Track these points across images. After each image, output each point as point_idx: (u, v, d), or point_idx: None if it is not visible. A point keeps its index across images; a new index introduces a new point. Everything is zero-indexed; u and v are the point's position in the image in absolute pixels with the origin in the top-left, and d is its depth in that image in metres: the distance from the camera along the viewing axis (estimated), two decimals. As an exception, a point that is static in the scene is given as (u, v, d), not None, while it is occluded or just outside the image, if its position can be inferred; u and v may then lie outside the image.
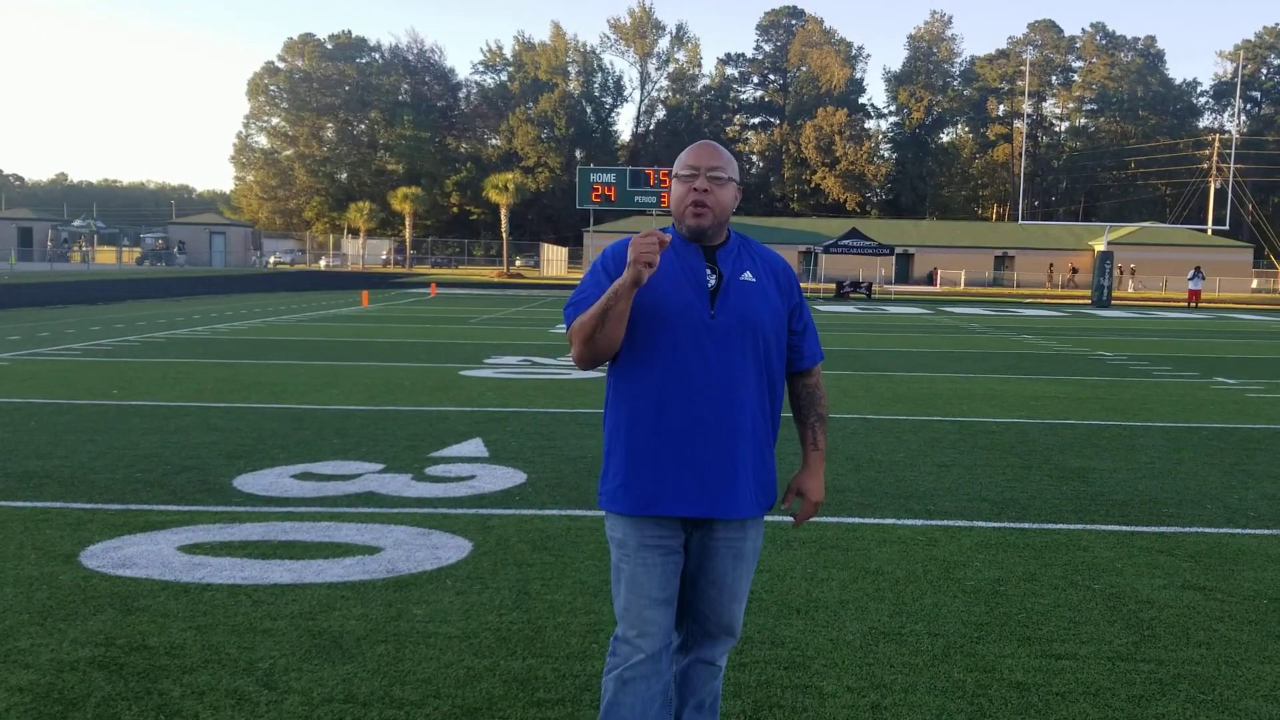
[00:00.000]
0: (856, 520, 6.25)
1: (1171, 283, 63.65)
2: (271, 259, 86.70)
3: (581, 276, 3.30)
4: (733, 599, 2.91)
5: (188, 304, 29.35)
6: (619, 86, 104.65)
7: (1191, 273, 46.02)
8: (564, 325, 2.99)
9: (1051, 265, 69.49)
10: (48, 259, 73.78)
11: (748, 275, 2.86)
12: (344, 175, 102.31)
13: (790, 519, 6.14)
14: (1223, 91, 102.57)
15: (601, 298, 2.69)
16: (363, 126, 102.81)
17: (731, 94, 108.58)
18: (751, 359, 2.82)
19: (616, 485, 2.82)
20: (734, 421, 2.79)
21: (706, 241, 2.85)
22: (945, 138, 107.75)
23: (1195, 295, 44.51)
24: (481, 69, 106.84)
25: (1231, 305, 47.83)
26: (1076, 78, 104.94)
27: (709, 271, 2.82)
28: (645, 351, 2.78)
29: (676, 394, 2.76)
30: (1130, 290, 63.50)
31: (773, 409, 2.93)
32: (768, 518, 6.13)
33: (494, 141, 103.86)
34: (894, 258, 56.78)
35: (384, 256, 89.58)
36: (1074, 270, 68.62)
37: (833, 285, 49.74)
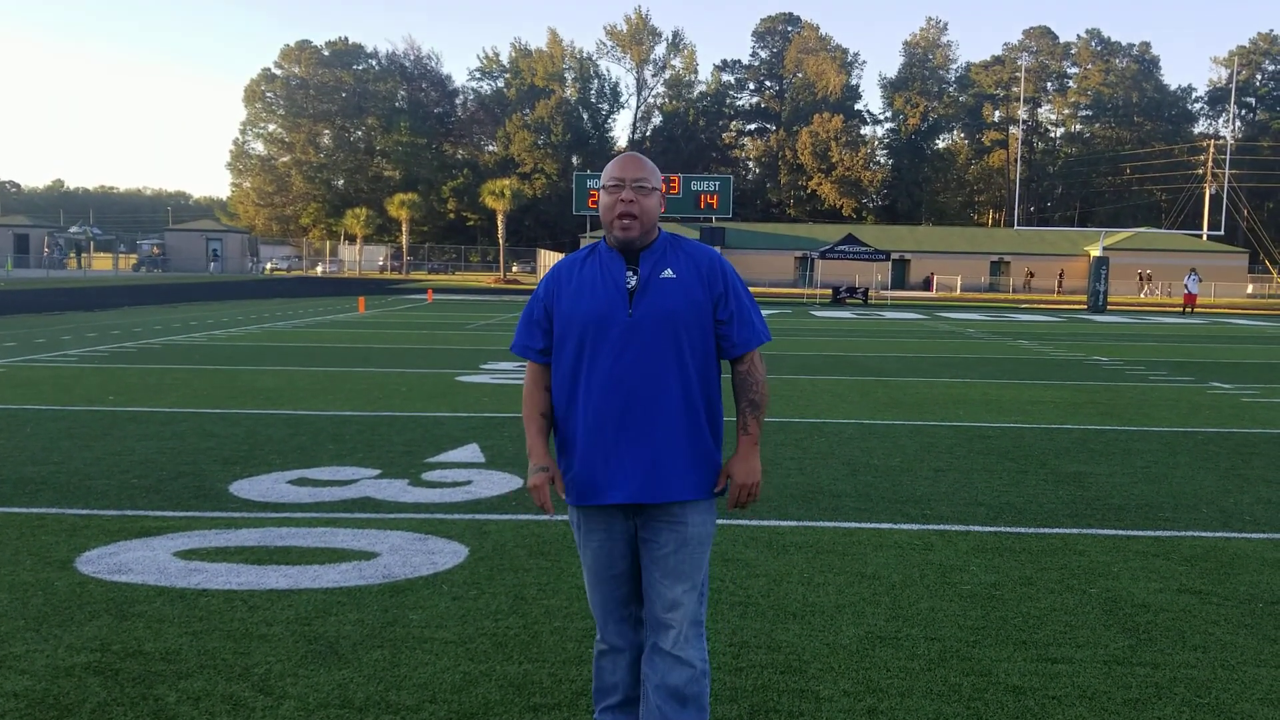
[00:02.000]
0: (853, 525, 6.25)
1: (1174, 288, 63.50)
2: (268, 265, 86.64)
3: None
4: (678, 580, 3.01)
5: (184, 310, 29.33)
6: (615, 93, 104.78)
7: (1188, 275, 45.17)
8: (510, 351, 3.19)
9: (1062, 271, 69.55)
10: (44, 266, 73.70)
11: (668, 273, 3.03)
12: (341, 181, 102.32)
13: (791, 520, 6.16)
14: (1217, 97, 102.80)
15: (529, 440, 3.11)
16: (359, 133, 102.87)
17: (728, 100, 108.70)
18: (673, 352, 2.99)
19: (567, 479, 3.08)
20: (658, 412, 2.98)
21: (633, 247, 3.05)
22: (941, 144, 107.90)
23: (1191, 299, 43.66)
24: (478, 75, 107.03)
25: (1227, 310, 47.89)
26: (1072, 84, 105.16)
27: (630, 274, 3.02)
28: (572, 356, 3.03)
29: (602, 391, 2.98)
30: (1145, 296, 63.19)
31: (705, 396, 3.07)
32: (758, 521, 6.15)
33: (491, 148, 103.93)
34: (890, 263, 56.82)
35: (380, 263, 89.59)
36: (1031, 274, 69.10)
37: (829, 290, 49.77)
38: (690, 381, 3.01)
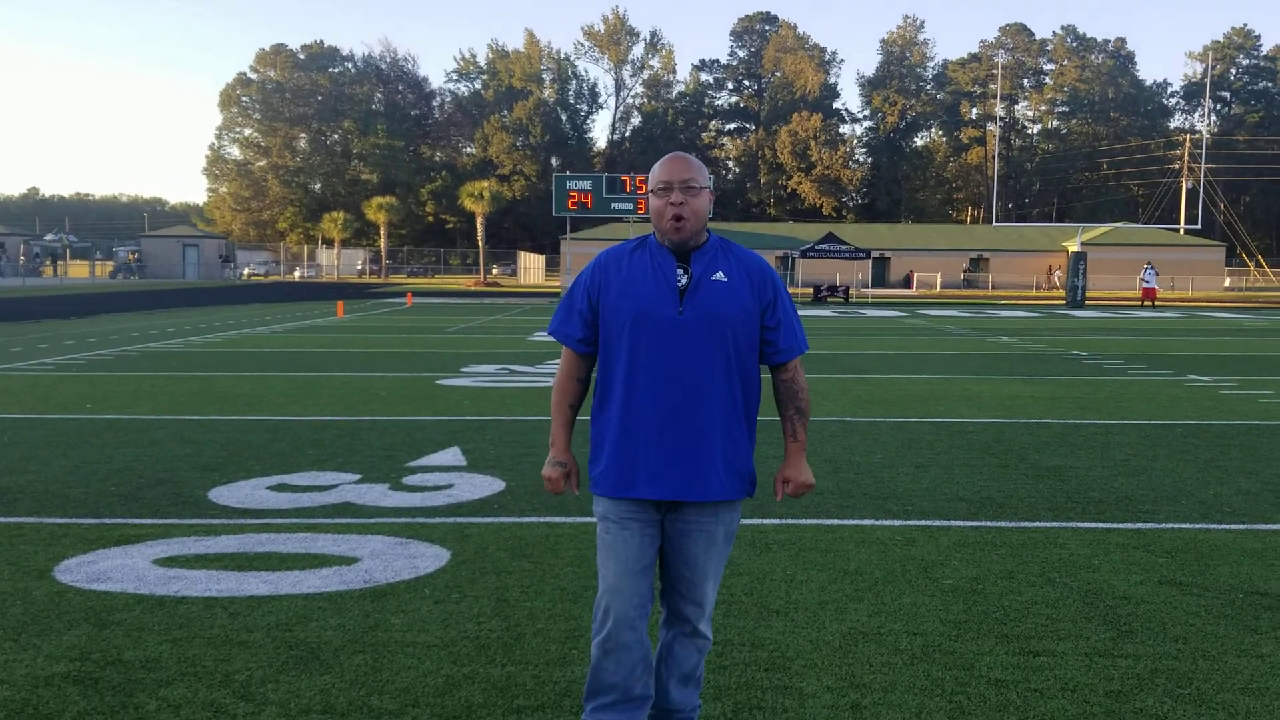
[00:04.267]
0: (835, 522, 6.26)
1: (1174, 283, 63.43)
2: (245, 270, 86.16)
3: (560, 285, 3.46)
4: (704, 578, 3.14)
5: (161, 317, 29.15)
6: (594, 94, 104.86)
7: (1145, 269, 43.52)
8: (548, 334, 3.23)
9: (1051, 266, 70.01)
10: (20, 274, 73.12)
11: (719, 275, 3.05)
12: (318, 186, 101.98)
13: (778, 521, 6.17)
14: (1193, 92, 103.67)
15: (554, 430, 3.23)
16: (336, 136, 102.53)
17: (706, 100, 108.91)
18: (719, 353, 3.02)
19: (599, 471, 3.11)
20: (701, 411, 3.02)
21: (686, 247, 3.07)
22: (919, 141, 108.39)
23: (1151, 293, 42.53)
24: (455, 77, 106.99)
25: (1204, 304, 48.24)
26: (1048, 80, 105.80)
27: (681, 272, 3.03)
28: (618, 348, 3.06)
29: (647, 386, 3.01)
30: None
31: (745, 400, 3.13)
32: (747, 521, 6.15)
33: (469, 150, 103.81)
34: (870, 261, 57.00)
35: (359, 267, 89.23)
36: (972, 269, 69.96)
37: (810, 289, 49.87)
38: (735, 384, 3.07)
